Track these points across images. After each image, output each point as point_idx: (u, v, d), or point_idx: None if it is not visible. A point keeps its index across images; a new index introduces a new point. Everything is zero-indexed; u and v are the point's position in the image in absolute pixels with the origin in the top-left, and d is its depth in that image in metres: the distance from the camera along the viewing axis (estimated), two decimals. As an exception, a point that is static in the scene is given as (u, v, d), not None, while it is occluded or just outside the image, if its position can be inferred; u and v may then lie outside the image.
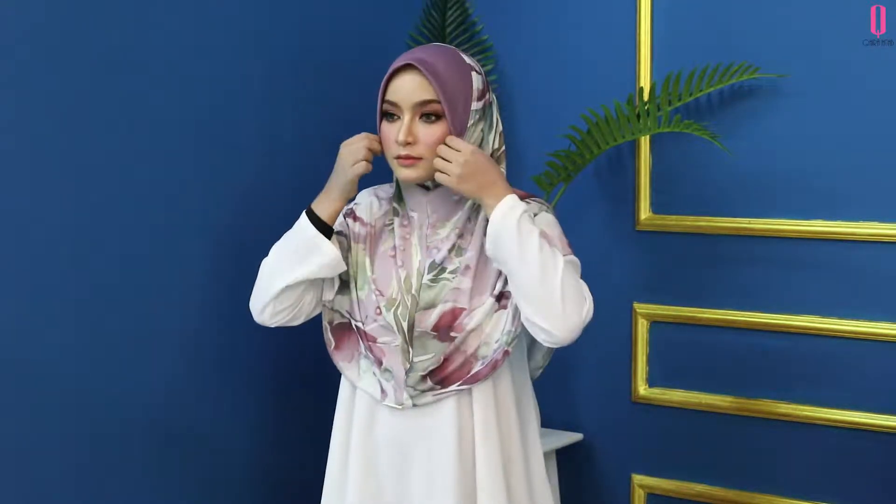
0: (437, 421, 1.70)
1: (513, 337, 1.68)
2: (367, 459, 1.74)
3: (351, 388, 1.78)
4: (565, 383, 2.51)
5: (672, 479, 2.46)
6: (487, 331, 1.68)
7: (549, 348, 2.17)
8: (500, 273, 1.69)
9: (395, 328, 1.69)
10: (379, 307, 1.72)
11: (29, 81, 1.69)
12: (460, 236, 1.72)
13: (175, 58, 1.93)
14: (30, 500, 1.73)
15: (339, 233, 1.79)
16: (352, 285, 1.76)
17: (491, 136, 1.73)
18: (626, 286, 2.47)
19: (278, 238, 1.80)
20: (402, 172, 1.68)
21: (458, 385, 1.69)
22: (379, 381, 1.73)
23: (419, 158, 1.66)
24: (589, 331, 1.66)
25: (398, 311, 1.69)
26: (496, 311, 1.69)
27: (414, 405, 1.70)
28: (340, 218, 1.81)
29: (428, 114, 1.65)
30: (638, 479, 2.50)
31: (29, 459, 1.73)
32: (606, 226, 2.48)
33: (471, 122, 1.69)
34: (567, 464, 2.54)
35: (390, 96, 1.66)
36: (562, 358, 2.44)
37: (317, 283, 1.77)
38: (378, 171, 1.75)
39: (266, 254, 1.78)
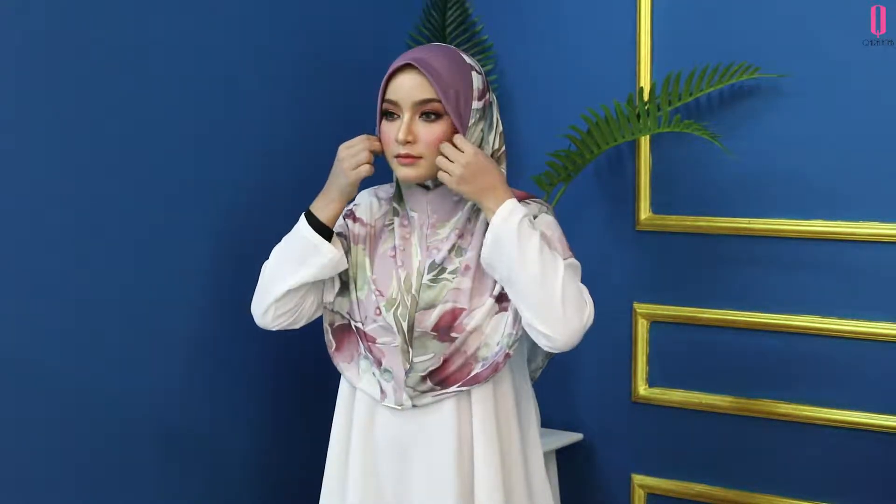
0: (437, 421, 1.70)
1: (514, 340, 1.68)
2: (366, 460, 1.74)
3: (350, 388, 1.78)
4: (565, 383, 2.51)
5: (672, 479, 2.46)
6: (487, 332, 1.68)
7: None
8: None
9: (395, 328, 1.69)
10: (379, 307, 1.72)
11: (29, 81, 1.69)
12: (460, 236, 1.72)
13: (175, 58, 1.93)
14: (30, 500, 1.73)
15: (340, 234, 1.79)
16: (351, 286, 1.76)
17: (491, 137, 1.73)
18: (626, 286, 2.47)
19: (278, 238, 1.80)
20: (402, 171, 1.68)
21: (458, 386, 1.69)
22: (378, 381, 1.73)
23: (419, 157, 1.66)
24: (589, 331, 1.66)
25: (398, 312, 1.69)
26: (497, 313, 1.69)
27: (413, 406, 1.70)
28: (340, 219, 1.81)
29: (428, 113, 1.65)
30: (638, 479, 2.50)
31: (29, 459, 1.73)
32: (606, 226, 2.48)
33: (471, 121, 1.69)
34: (567, 464, 2.54)
35: (390, 95, 1.66)
36: (562, 358, 2.44)
37: (318, 286, 1.77)
38: (378, 172, 1.75)
39: (266, 255, 1.78)
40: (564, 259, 1.66)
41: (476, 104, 1.69)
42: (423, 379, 1.69)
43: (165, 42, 1.91)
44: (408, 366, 1.69)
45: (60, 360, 1.76)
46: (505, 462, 1.72)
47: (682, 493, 2.45)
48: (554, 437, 2.45)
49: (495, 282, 1.69)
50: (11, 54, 1.66)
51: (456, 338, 1.68)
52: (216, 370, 2.05)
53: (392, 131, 1.67)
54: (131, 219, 1.87)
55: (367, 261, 1.75)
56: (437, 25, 2.51)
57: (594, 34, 2.45)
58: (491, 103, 1.74)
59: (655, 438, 2.47)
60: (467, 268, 1.70)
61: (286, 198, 2.19)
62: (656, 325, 2.45)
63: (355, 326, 1.75)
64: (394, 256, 1.74)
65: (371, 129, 2.24)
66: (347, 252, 1.77)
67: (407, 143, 1.65)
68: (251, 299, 2.11)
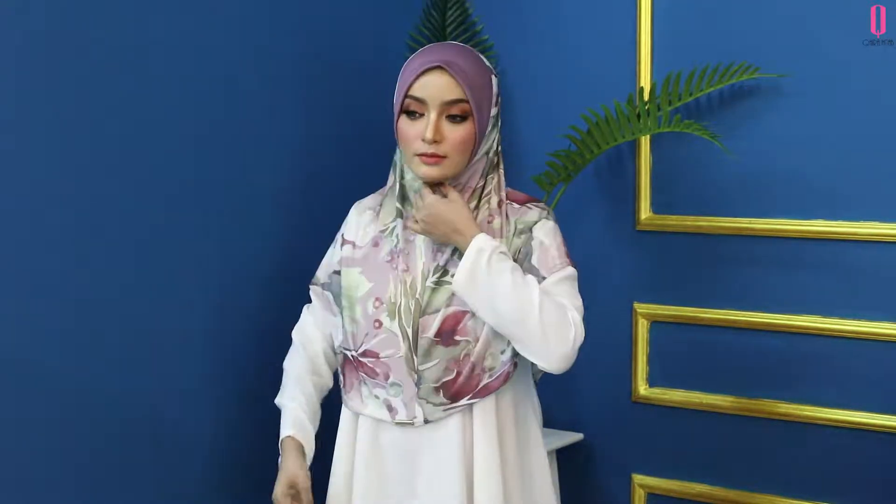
0: (443, 432, 1.70)
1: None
2: (370, 472, 1.74)
3: (352, 417, 1.77)
4: (565, 383, 2.51)
5: (672, 479, 2.46)
6: (491, 338, 1.68)
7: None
8: None
9: (401, 336, 1.69)
10: (378, 319, 1.71)
11: (29, 81, 1.69)
12: None
13: (175, 58, 1.93)
14: (30, 501, 1.73)
15: (328, 284, 1.83)
16: (344, 315, 1.76)
17: (496, 137, 1.74)
18: (626, 286, 2.46)
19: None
20: (423, 170, 1.67)
21: (469, 399, 1.68)
22: (386, 400, 1.71)
23: (443, 157, 1.66)
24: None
25: (402, 318, 1.69)
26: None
27: (426, 421, 1.69)
28: (337, 248, 1.83)
29: (454, 114, 1.65)
30: (638, 478, 2.50)
31: (29, 459, 1.72)
32: (606, 226, 2.48)
33: (489, 127, 1.69)
34: (567, 464, 2.54)
35: (417, 93, 1.65)
36: (562, 358, 2.44)
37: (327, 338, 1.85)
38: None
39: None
40: (561, 269, 1.68)
41: (494, 110, 1.70)
42: (437, 390, 1.68)
43: (165, 42, 1.91)
44: (415, 375, 1.68)
45: (60, 360, 1.76)
46: (506, 467, 1.71)
47: (682, 493, 2.45)
48: (554, 437, 2.45)
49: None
50: (11, 54, 1.66)
51: (460, 341, 1.67)
52: (217, 371, 2.05)
53: (415, 129, 1.66)
54: (131, 219, 1.86)
55: (363, 277, 1.75)
56: (437, 25, 2.51)
57: (594, 34, 2.45)
58: (501, 103, 1.75)
59: (656, 438, 2.47)
60: (468, 270, 1.69)
61: (286, 198, 2.19)
62: (656, 325, 2.45)
63: (351, 356, 1.75)
64: (390, 261, 1.73)
65: (370, 128, 2.25)
66: (339, 287, 1.78)
67: (434, 142, 1.65)
68: (251, 299, 2.12)
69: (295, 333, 1.87)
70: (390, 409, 1.70)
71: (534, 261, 1.69)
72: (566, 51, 2.50)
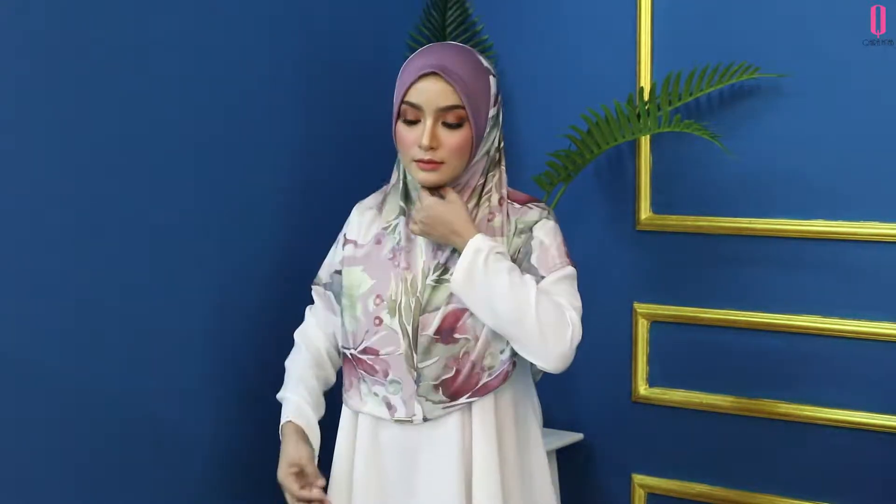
0: (442, 431, 1.70)
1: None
2: (370, 471, 1.74)
3: (352, 417, 1.77)
4: (565, 383, 2.51)
5: (672, 479, 2.46)
6: (491, 338, 1.68)
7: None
8: None
9: (401, 333, 1.69)
10: (379, 317, 1.71)
11: (29, 81, 1.69)
12: None
13: (175, 58, 1.93)
14: (30, 500, 1.73)
15: (329, 284, 1.83)
16: (345, 315, 1.76)
17: (497, 135, 1.74)
18: (626, 286, 2.47)
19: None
20: (422, 175, 1.68)
21: (468, 397, 1.68)
22: (385, 398, 1.72)
23: (441, 163, 1.66)
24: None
25: (402, 315, 1.69)
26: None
27: (425, 419, 1.69)
28: (339, 248, 1.83)
29: (450, 121, 1.65)
30: (638, 478, 2.50)
31: (29, 459, 1.72)
32: (606, 226, 2.48)
33: (488, 128, 1.69)
34: (567, 464, 2.54)
35: (413, 99, 1.65)
36: (562, 358, 2.44)
37: (331, 340, 1.85)
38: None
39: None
40: (560, 269, 1.68)
41: (492, 110, 1.69)
42: (436, 388, 1.68)
43: (165, 42, 1.91)
44: (415, 373, 1.68)
45: (60, 360, 1.76)
46: (505, 466, 1.71)
47: (682, 493, 2.45)
48: (554, 436, 2.45)
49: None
50: (11, 54, 1.66)
51: (459, 339, 1.67)
52: (217, 371, 2.05)
53: (412, 136, 1.66)
54: (131, 219, 1.86)
55: (365, 275, 1.75)
56: (437, 25, 2.51)
57: (594, 34, 2.45)
58: (501, 101, 1.74)
59: (655, 438, 2.47)
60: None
61: (286, 197, 2.19)
62: (656, 325, 2.45)
63: (350, 354, 1.75)
64: (392, 259, 1.74)
65: (370, 128, 2.25)
66: (340, 286, 1.78)
67: (430, 149, 1.65)
68: (252, 299, 2.12)
69: (297, 335, 1.88)
70: (389, 406, 1.71)
71: (533, 260, 1.70)
72: (566, 51, 2.50)
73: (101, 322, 1.82)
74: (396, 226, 1.76)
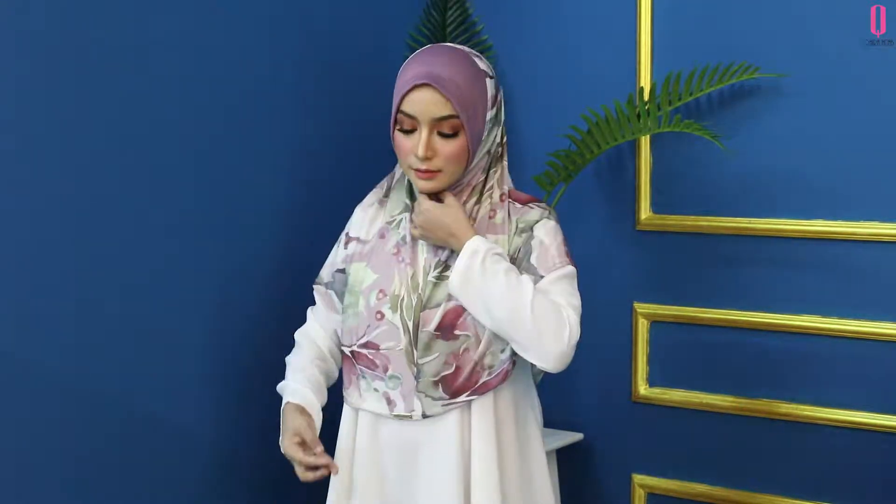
0: (442, 429, 1.70)
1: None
2: (371, 469, 1.74)
3: (352, 417, 1.77)
4: (565, 383, 2.51)
5: (672, 479, 2.46)
6: (492, 338, 1.68)
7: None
8: None
9: (402, 329, 1.69)
10: (381, 311, 1.71)
11: (29, 81, 1.69)
12: None
13: (175, 58, 1.93)
14: (30, 500, 1.73)
15: (331, 283, 1.83)
16: (349, 311, 1.76)
17: (497, 132, 1.74)
18: (626, 286, 2.47)
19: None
20: (421, 184, 1.69)
21: (468, 395, 1.68)
22: (385, 393, 1.72)
23: (438, 171, 1.67)
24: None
25: (404, 311, 1.69)
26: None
27: (424, 415, 1.69)
28: (340, 248, 1.83)
29: (444, 131, 1.65)
30: (638, 478, 2.50)
31: (29, 459, 1.72)
32: (606, 226, 2.48)
33: (486, 132, 1.69)
34: (567, 464, 2.54)
35: (408, 108, 1.65)
36: (562, 358, 2.44)
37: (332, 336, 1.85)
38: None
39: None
40: (559, 268, 1.68)
41: (490, 112, 1.69)
42: (436, 385, 1.68)
43: (165, 42, 1.91)
44: (414, 369, 1.69)
45: (60, 360, 1.76)
46: (504, 466, 1.71)
47: (682, 493, 2.45)
48: (554, 436, 2.45)
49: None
50: (11, 54, 1.66)
51: (460, 336, 1.68)
52: (217, 371, 2.05)
53: (409, 144, 1.67)
54: (131, 219, 1.86)
55: (369, 269, 1.75)
56: (437, 25, 2.51)
57: (594, 34, 2.45)
58: (501, 100, 1.74)
59: (655, 438, 2.47)
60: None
61: (286, 197, 2.19)
62: (656, 325, 2.45)
63: (350, 351, 1.75)
64: (396, 254, 1.74)
65: (370, 127, 2.25)
66: (343, 285, 1.79)
67: (426, 159, 1.65)
68: (252, 299, 2.12)
69: (298, 334, 1.88)
70: (389, 401, 1.71)
71: (533, 260, 1.70)
72: (566, 51, 2.50)
73: (101, 322, 1.82)
74: (400, 221, 1.76)
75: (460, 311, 1.68)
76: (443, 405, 1.69)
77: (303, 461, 1.65)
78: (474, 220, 1.72)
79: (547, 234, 1.72)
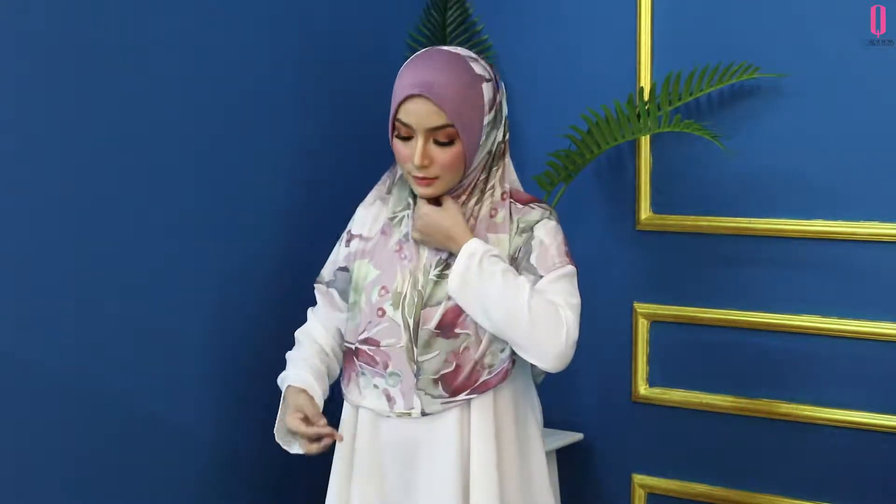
0: (441, 427, 1.70)
1: None
2: (372, 466, 1.74)
3: (353, 416, 1.78)
4: (565, 383, 2.51)
5: (672, 479, 2.46)
6: (492, 338, 1.68)
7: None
8: None
9: (402, 326, 1.69)
10: (382, 308, 1.72)
11: (29, 81, 1.69)
12: None
13: (175, 58, 1.93)
14: (30, 500, 1.73)
15: (332, 281, 1.83)
16: (354, 309, 1.76)
17: (499, 132, 1.74)
18: (626, 286, 2.47)
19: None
20: (419, 190, 1.70)
21: (467, 394, 1.69)
22: (385, 390, 1.72)
23: (435, 178, 1.68)
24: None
25: (405, 309, 1.70)
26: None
27: (423, 413, 1.69)
28: (343, 247, 1.83)
29: (440, 140, 1.66)
30: (638, 478, 2.50)
31: (29, 459, 1.72)
32: (606, 226, 2.48)
33: (484, 136, 1.69)
34: (567, 464, 2.54)
35: (403, 118, 1.66)
36: (562, 358, 2.44)
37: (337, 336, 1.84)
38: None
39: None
40: (559, 268, 1.68)
41: (488, 117, 1.69)
42: (436, 382, 1.68)
43: (165, 42, 1.91)
44: (414, 366, 1.69)
45: (60, 360, 1.76)
46: (503, 465, 1.72)
47: (682, 493, 2.45)
48: (554, 436, 2.45)
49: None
50: (11, 54, 1.66)
51: (460, 334, 1.68)
52: (217, 371, 2.05)
53: (406, 150, 1.68)
54: (131, 219, 1.87)
55: (372, 266, 1.76)
56: (437, 25, 2.51)
57: (594, 34, 2.45)
58: (501, 101, 1.73)
59: (655, 438, 2.47)
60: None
61: (286, 197, 2.19)
62: (656, 325, 2.45)
63: (352, 348, 1.76)
64: (398, 251, 1.74)
65: (370, 127, 2.25)
66: (347, 283, 1.79)
67: (423, 167, 1.66)
68: (252, 299, 2.12)
69: (298, 333, 1.88)
70: (389, 398, 1.71)
71: (532, 259, 1.70)
72: (566, 51, 2.50)
73: (101, 322, 1.82)
74: (403, 218, 1.76)
75: (461, 309, 1.68)
76: (442, 403, 1.69)
77: (307, 433, 1.65)
78: (475, 218, 1.73)
79: (547, 234, 1.72)
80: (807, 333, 2.27)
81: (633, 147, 2.43)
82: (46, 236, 1.73)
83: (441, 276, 1.70)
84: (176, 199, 1.95)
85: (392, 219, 1.78)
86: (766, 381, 2.33)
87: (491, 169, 1.74)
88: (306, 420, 1.67)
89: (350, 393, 1.77)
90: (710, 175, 2.34)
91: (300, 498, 2.19)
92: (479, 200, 1.74)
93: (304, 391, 1.73)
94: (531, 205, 1.75)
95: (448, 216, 1.69)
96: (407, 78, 1.66)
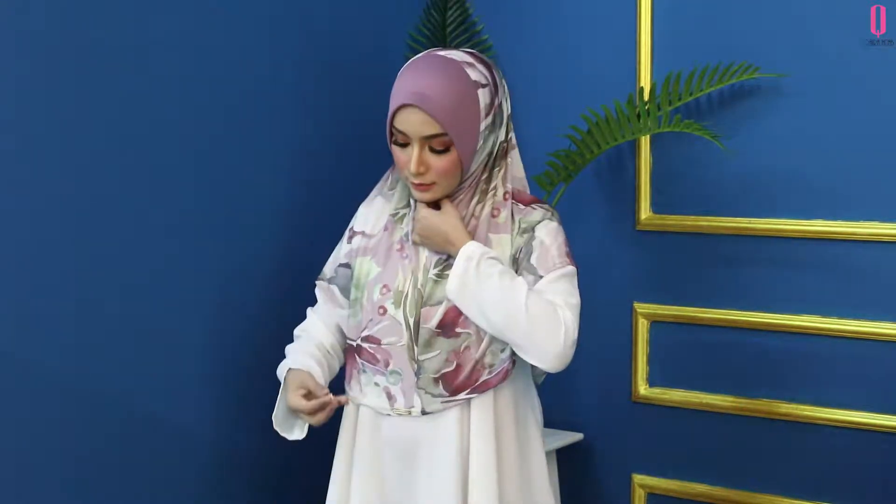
0: (442, 426, 1.70)
1: None
2: (372, 465, 1.74)
3: (353, 415, 1.78)
4: (565, 383, 2.51)
5: (672, 479, 2.46)
6: (491, 336, 1.69)
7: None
8: None
9: (403, 324, 1.69)
10: (384, 306, 1.72)
11: (29, 81, 1.69)
12: None
13: (175, 58, 1.93)
14: (30, 500, 1.73)
15: (333, 278, 1.83)
16: (355, 306, 1.77)
17: (500, 133, 1.73)
18: (626, 286, 2.47)
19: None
20: (418, 195, 1.71)
21: (467, 393, 1.69)
22: (385, 388, 1.72)
23: (433, 184, 1.69)
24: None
25: (406, 307, 1.70)
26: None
27: (424, 412, 1.69)
28: (345, 246, 1.83)
29: (435, 148, 1.66)
30: (638, 478, 2.50)
31: (29, 459, 1.72)
32: (606, 226, 2.48)
33: (480, 142, 1.69)
34: (567, 464, 2.54)
35: (399, 126, 1.67)
36: (562, 358, 2.44)
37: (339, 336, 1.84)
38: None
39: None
40: (559, 268, 1.69)
41: (485, 121, 1.69)
42: (436, 381, 1.69)
43: (165, 42, 1.91)
44: (415, 365, 1.69)
45: (60, 360, 1.76)
46: (503, 465, 1.72)
47: (682, 493, 2.45)
48: (554, 436, 2.45)
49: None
50: (11, 54, 1.66)
51: (461, 333, 1.68)
52: (217, 371, 2.05)
53: (404, 157, 1.69)
54: (131, 219, 1.87)
55: (373, 263, 1.76)
56: (437, 25, 2.51)
57: (594, 34, 2.45)
58: (501, 102, 1.73)
59: (655, 438, 2.47)
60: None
61: (286, 197, 2.19)
62: (656, 325, 2.45)
63: (354, 345, 1.76)
64: (400, 249, 1.74)
65: (370, 128, 2.25)
66: (349, 279, 1.79)
67: (420, 174, 1.67)
68: (252, 299, 2.12)
69: (297, 330, 1.88)
70: (389, 396, 1.71)
71: (533, 260, 1.70)
72: (566, 51, 2.50)
73: (101, 322, 1.82)
74: (404, 216, 1.77)
75: (461, 309, 1.69)
76: (442, 402, 1.69)
77: (310, 406, 1.66)
78: (477, 218, 1.73)
79: (548, 234, 1.72)
80: (807, 333, 2.27)
81: (633, 147, 2.43)
82: (46, 236, 1.73)
83: (441, 276, 1.70)
84: (176, 199, 1.95)
85: (394, 215, 1.78)
86: (766, 381, 2.33)
87: (493, 169, 1.74)
88: (308, 396, 1.68)
89: (351, 390, 1.77)
90: (710, 175, 2.34)
91: (300, 498, 2.19)
92: (482, 201, 1.74)
93: (306, 371, 1.74)
94: (533, 205, 1.76)
95: (446, 220, 1.70)
96: (402, 85, 1.67)
